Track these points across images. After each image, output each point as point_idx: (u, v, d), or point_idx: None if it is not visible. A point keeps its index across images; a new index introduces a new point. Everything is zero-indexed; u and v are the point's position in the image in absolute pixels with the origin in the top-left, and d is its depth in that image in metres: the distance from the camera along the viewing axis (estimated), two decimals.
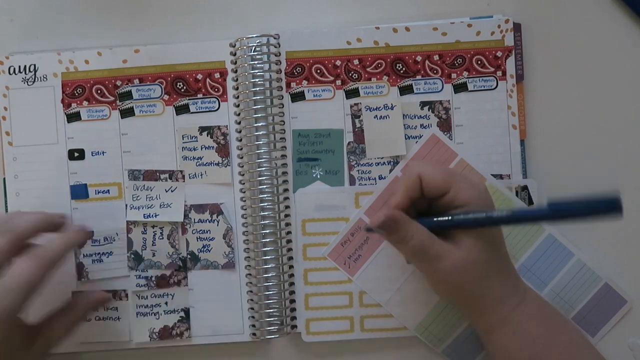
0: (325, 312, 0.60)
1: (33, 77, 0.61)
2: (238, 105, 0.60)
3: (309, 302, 0.60)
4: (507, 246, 0.53)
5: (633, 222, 0.60)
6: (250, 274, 0.60)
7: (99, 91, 0.61)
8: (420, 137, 0.60)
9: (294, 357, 0.61)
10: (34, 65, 0.61)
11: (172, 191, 0.60)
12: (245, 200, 0.60)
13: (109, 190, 0.61)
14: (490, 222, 0.50)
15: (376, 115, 0.60)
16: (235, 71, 0.60)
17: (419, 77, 0.60)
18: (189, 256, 0.60)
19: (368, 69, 0.60)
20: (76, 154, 0.61)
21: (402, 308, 0.59)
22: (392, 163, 0.60)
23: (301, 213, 0.60)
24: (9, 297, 0.48)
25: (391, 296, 0.59)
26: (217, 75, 0.61)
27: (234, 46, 0.60)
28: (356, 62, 0.60)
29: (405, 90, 0.60)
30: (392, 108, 0.60)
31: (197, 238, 0.60)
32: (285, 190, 0.60)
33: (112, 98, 0.61)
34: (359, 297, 0.60)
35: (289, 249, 0.60)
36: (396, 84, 0.60)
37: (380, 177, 0.60)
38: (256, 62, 0.59)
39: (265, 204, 0.59)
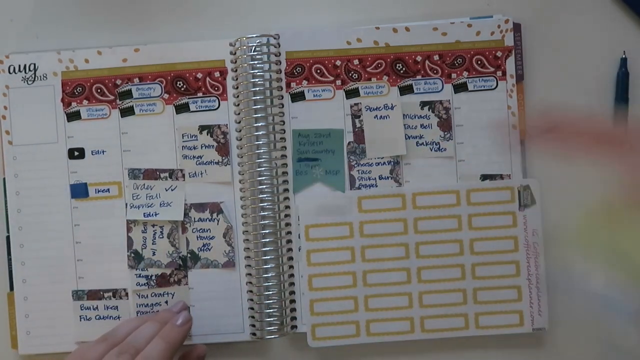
0: (330, 317, 0.60)
1: (33, 76, 0.61)
2: (238, 105, 0.60)
3: (314, 308, 0.60)
4: None
5: None
6: (250, 274, 0.60)
7: (99, 90, 0.61)
8: (421, 137, 0.60)
9: (294, 357, 0.61)
10: (34, 64, 0.61)
11: (172, 190, 0.60)
12: (245, 200, 0.60)
13: (109, 189, 0.61)
14: None
15: (376, 115, 0.60)
16: (235, 70, 0.60)
17: (419, 77, 0.60)
18: (189, 255, 0.60)
19: (368, 69, 0.60)
20: (76, 153, 0.61)
21: None
22: (392, 163, 0.60)
23: (304, 219, 0.60)
24: None
25: None
26: (217, 74, 0.60)
27: (233, 45, 0.60)
28: (356, 62, 0.60)
29: (405, 90, 0.60)
30: (392, 108, 0.60)
31: (197, 237, 0.60)
32: (285, 190, 0.60)
33: (112, 97, 0.61)
34: (364, 301, 0.59)
35: (289, 249, 0.60)
36: (396, 84, 0.60)
37: (381, 177, 0.60)
38: (256, 62, 0.59)
39: (265, 204, 0.59)
